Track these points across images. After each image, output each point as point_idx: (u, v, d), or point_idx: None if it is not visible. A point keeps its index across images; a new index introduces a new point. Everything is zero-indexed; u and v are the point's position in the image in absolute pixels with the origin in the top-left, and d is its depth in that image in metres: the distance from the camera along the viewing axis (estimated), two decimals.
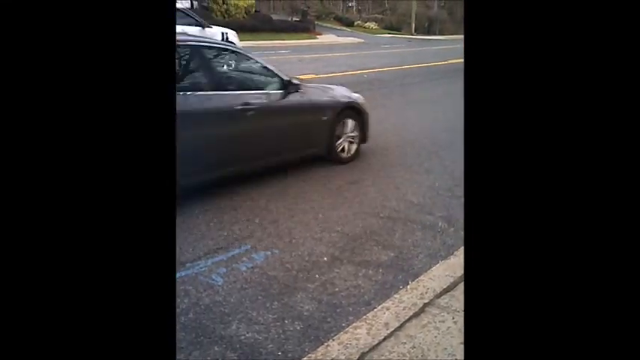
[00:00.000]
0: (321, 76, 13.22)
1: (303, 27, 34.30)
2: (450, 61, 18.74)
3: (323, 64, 15.98)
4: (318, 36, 33.16)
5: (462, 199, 4.63)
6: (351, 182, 5.26)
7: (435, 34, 46.97)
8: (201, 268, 3.22)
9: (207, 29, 11.25)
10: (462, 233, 3.99)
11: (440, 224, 4.30)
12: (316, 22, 37.35)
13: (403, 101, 10.12)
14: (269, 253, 3.60)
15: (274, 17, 33.32)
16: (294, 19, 36.57)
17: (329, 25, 42.31)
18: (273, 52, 19.85)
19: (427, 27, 48.65)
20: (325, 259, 3.54)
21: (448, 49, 25.32)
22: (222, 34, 11.34)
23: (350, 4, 54.29)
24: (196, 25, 10.70)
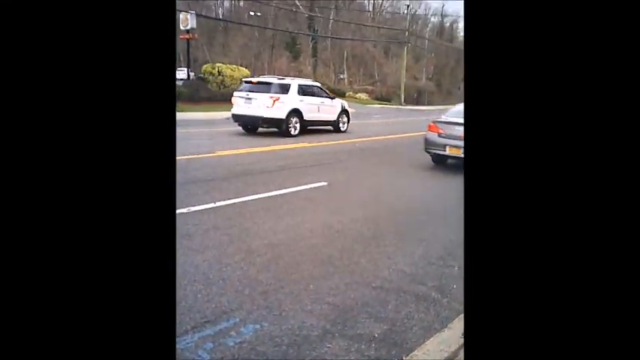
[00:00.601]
0: (314, 144, 13.46)
1: None
2: None
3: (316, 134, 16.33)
4: None
5: (455, 269, 4.59)
6: (342, 250, 5.21)
7: (423, 104, 48.49)
8: (187, 343, 3.09)
9: (334, 99, 16.44)
10: (455, 304, 3.90)
11: (433, 295, 4.22)
12: None
13: (393, 170, 10.26)
14: (258, 326, 3.48)
15: None
16: None
17: None
18: None
19: (416, 98, 50.40)
20: (316, 333, 3.43)
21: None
22: (342, 104, 16.72)
23: (342, 76, 56.33)
24: (328, 97, 16.15)
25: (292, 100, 14.17)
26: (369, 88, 50.81)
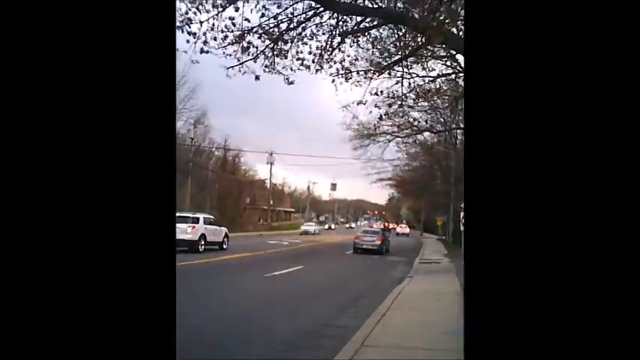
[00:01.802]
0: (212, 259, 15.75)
1: None
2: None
3: None
4: None
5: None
6: None
7: None
8: None
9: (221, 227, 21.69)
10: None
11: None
12: None
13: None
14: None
15: None
16: None
17: None
18: None
19: None
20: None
21: None
22: (225, 231, 21.78)
23: None
24: (218, 226, 21.60)
25: (201, 227, 19.82)
26: None
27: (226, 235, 21.87)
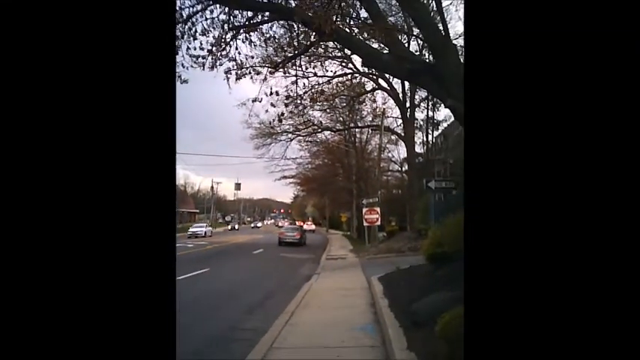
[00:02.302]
0: None
1: None
2: None
3: None
4: None
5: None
6: None
7: None
8: None
9: None
10: None
11: None
12: None
13: None
14: None
15: None
16: None
17: None
18: None
19: None
20: None
21: None
22: None
23: None
24: None
25: None
26: None
27: None
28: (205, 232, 42.01)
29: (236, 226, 69.90)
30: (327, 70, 11.35)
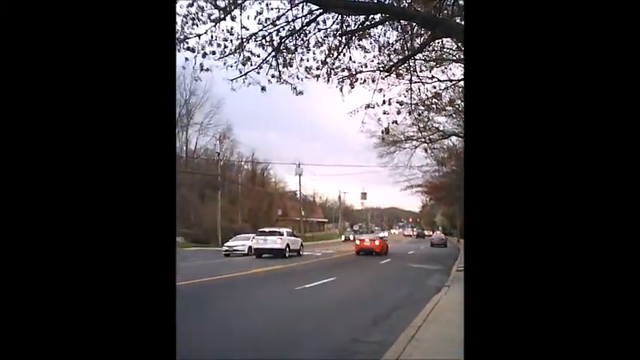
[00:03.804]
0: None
1: None
2: (252, 271, 16.83)
3: None
4: None
5: None
6: None
7: None
8: None
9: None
10: None
11: None
12: None
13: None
14: None
15: None
16: None
17: None
18: None
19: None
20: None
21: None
22: None
23: None
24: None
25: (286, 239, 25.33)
26: (186, 231, 45.40)
27: (301, 244, 27.65)
28: (249, 249, 26.32)
29: (350, 237, 60.57)
30: (453, 75, 10.76)
